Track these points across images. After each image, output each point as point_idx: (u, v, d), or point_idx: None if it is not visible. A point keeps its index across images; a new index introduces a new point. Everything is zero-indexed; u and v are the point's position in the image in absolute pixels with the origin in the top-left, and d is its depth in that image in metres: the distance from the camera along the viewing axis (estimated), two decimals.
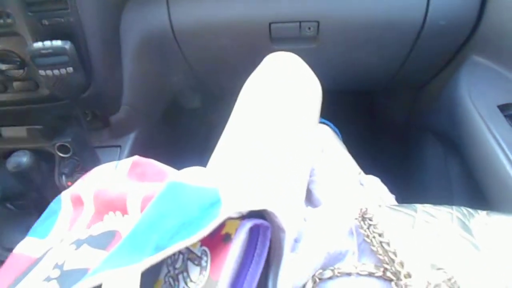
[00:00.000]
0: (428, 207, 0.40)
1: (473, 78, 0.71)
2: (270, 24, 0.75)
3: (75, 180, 0.69)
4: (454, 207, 0.39)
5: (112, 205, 0.37)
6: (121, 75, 0.78)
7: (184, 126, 1.17)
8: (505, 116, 0.61)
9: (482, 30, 0.69)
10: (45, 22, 0.63)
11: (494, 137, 0.59)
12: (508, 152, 0.57)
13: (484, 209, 0.43)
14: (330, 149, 0.71)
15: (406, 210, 0.38)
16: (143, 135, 0.90)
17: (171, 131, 1.12)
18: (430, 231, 0.34)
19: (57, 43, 0.62)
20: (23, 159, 0.68)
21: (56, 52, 0.62)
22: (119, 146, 0.84)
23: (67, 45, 0.63)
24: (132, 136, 0.86)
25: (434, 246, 0.32)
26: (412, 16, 0.70)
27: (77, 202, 0.40)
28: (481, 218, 0.40)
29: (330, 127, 0.87)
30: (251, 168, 0.45)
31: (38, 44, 0.62)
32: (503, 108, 0.62)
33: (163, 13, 0.74)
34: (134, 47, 0.77)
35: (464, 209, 0.40)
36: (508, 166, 0.56)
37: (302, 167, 0.49)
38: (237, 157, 0.47)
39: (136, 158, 0.44)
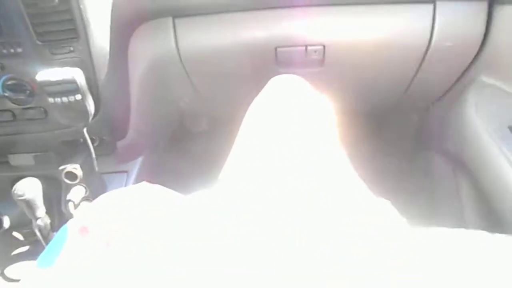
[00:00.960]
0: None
1: (482, 98, 0.70)
2: (276, 48, 0.75)
3: (82, 208, 0.68)
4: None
5: (119, 233, 0.36)
6: (129, 101, 0.78)
7: (190, 150, 1.17)
8: None
9: (489, 50, 0.69)
10: (55, 51, 0.64)
11: (507, 158, 0.58)
12: None
13: (498, 231, 0.42)
14: (339, 171, 0.70)
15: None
16: (150, 160, 0.89)
17: (177, 155, 1.12)
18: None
19: (66, 71, 0.63)
20: (30, 186, 0.67)
21: (65, 80, 0.63)
22: (126, 171, 0.84)
23: (76, 72, 0.64)
24: (139, 161, 0.86)
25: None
26: (417, 38, 0.70)
27: (83, 231, 0.40)
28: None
29: None
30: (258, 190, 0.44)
31: (48, 73, 0.63)
32: None
33: (170, 40, 0.75)
34: (142, 73, 0.78)
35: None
36: None
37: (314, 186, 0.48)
38: (244, 180, 0.47)
39: (144, 184, 0.44)
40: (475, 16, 0.67)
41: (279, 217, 0.42)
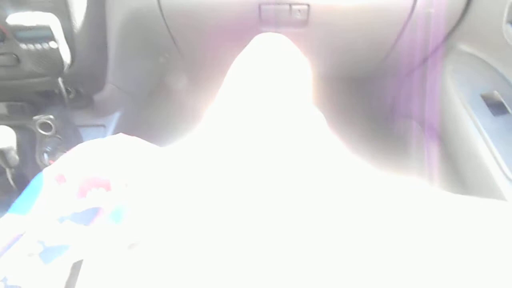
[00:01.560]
0: None
1: (458, 66, 0.72)
2: (260, 5, 0.74)
3: (57, 159, 0.67)
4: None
5: (95, 182, 0.37)
6: (106, 53, 0.76)
7: (170, 107, 1.16)
8: (488, 104, 0.62)
9: (469, 19, 0.70)
10: None
11: (476, 125, 0.60)
12: (489, 140, 0.59)
13: (460, 191, 0.44)
14: (315, 133, 0.71)
15: None
16: (128, 115, 0.88)
17: (156, 112, 1.10)
18: None
19: (40, 16, 0.60)
20: (3, 135, 0.66)
21: (39, 26, 0.60)
22: (103, 125, 0.83)
23: (51, 19, 0.61)
24: (116, 115, 0.84)
25: None
26: (401, 3, 0.70)
27: (60, 179, 0.40)
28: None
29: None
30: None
31: (20, 17, 0.60)
32: (486, 97, 0.63)
33: None
34: (120, 25, 0.75)
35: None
36: (488, 153, 0.58)
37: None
38: (222, 138, 0.47)
39: (121, 135, 0.44)
40: None
41: (254, 175, 0.43)
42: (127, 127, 0.86)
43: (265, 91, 0.52)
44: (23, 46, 0.61)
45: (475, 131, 0.60)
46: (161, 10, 0.75)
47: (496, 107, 0.61)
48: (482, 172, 0.59)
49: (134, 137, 0.46)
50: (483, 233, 0.34)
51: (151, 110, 1.06)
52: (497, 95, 0.62)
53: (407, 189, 0.40)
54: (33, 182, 0.41)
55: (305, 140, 0.64)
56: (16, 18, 0.60)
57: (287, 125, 0.50)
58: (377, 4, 0.71)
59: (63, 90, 0.69)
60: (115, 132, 0.83)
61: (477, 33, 0.70)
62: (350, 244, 0.31)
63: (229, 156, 0.44)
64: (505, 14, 0.59)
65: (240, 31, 0.77)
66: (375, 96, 1.16)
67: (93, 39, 0.71)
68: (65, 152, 0.74)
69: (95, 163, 0.39)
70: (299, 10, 0.74)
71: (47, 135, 0.72)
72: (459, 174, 0.67)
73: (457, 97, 0.65)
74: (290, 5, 0.74)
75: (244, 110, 0.49)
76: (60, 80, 0.68)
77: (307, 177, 0.57)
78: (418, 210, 0.36)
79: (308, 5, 0.73)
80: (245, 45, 0.62)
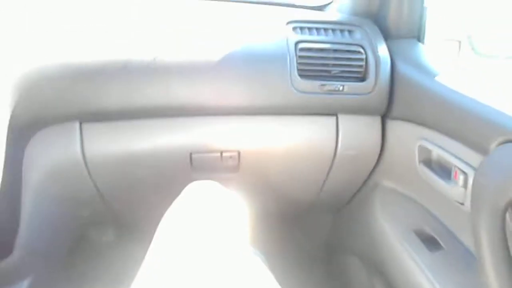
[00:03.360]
0: None
1: (385, 202, 0.75)
2: (191, 153, 0.74)
3: None
4: None
5: None
6: (19, 215, 0.68)
7: (94, 263, 1.03)
8: (422, 240, 0.64)
9: (386, 160, 0.77)
10: None
11: (416, 262, 0.61)
12: (431, 277, 0.58)
13: None
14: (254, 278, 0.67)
15: None
16: (41, 281, 0.76)
17: (78, 270, 0.98)
18: None
19: None
20: None
21: None
22: None
23: None
24: (25, 283, 0.72)
25: None
26: (324, 147, 0.76)
27: None
28: None
29: None
30: None
31: None
32: (418, 232, 0.65)
33: (75, 146, 0.70)
34: (38, 182, 0.69)
35: None
36: None
37: None
38: None
39: None
40: (372, 128, 0.75)
41: None
42: None
43: (200, 241, 0.49)
44: None
45: (416, 268, 0.61)
46: (85, 163, 0.72)
47: (430, 242, 0.63)
48: None
49: None
50: None
51: (72, 269, 0.93)
52: (428, 230, 0.64)
53: None
54: None
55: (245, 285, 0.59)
56: None
57: (225, 272, 0.47)
58: (301, 149, 0.76)
59: None
60: None
61: (396, 172, 0.76)
62: None
63: None
64: (416, 155, 0.65)
65: (171, 180, 0.76)
66: (312, 232, 1.16)
67: (2, 200, 0.63)
68: None
69: None
70: (230, 157, 0.76)
71: None
72: None
73: (392, 234, 0.67)
74: (221, 152, 0.75)
75: (179, 264, 0.45)
76: None
77: None
78: None
79: (239, 152, 0.75)
80: (177, 194, 0.60)
